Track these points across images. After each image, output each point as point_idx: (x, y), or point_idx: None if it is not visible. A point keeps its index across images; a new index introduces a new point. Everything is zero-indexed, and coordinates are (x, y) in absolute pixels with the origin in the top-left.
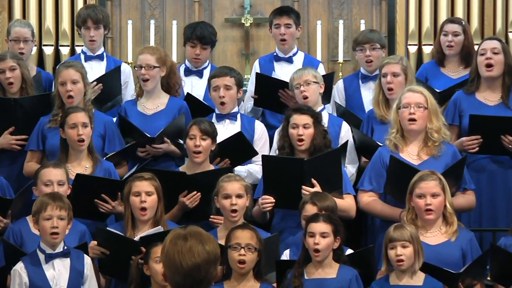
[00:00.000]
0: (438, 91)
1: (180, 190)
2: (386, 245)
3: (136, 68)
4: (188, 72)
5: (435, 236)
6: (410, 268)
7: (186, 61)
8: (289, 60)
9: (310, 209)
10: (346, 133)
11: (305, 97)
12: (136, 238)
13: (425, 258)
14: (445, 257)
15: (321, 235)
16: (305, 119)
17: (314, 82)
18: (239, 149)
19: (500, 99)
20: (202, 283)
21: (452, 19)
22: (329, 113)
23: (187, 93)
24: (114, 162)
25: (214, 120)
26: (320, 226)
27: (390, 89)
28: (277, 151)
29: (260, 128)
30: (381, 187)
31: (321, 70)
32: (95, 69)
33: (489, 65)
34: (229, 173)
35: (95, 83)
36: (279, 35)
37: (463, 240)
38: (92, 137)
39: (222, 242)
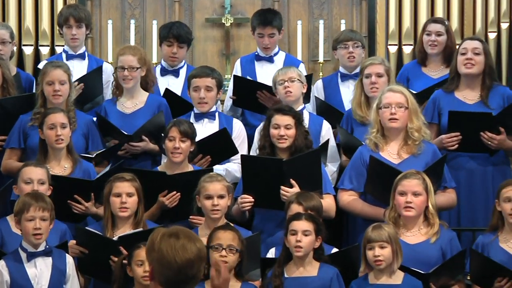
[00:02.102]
0: (414, 92)
1: (159, 190)
2: (364, 246)
3: (117, 69)
4: (164, 72)
5: (415, 235)
6: (388, 267)
7: (162, 61)
8: (270, 60)
9: (296, 209)
10: (327, 132)
11: (289, 93)
12: (115, 238)
13: (404, 257)
14: (423, 257)
15: (303, 233)
16: (287, 119)
17: (298, 80)
18: (220, 146)
19: (479, 98)
20: (193, 280)
21: (435, 19)
22: (309, 112)
23: (166, 88)
24: (96, 162)
25: (192, 119)
26: (302, 224)
27: (374, 90)
28: (257, 151)
29: (238, 126)
30: (361, 186)
31: (302, 70)
32: (77, 68)
33: (468, 64)
34: (211, 173)
35: (76, 83)
36: (262, 44)
37: (443, 239)
38: (71, 138)
39: (203, 241)
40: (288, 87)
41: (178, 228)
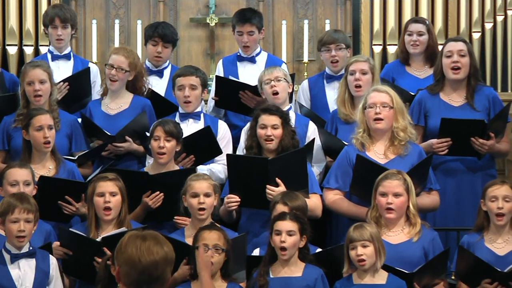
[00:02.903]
0: (412, 94)
1: (143, 190)
2: (347, 246)
3: (106, 66)
4: (148, 72)
5: (397, 235)
6: (372, 267)
7: (147, 61)
8: (252, 60)
9: (281, 209)
10: (313, 132)
11: (275, 93)
12: (99, 239)
13: (387, 257)
14: (405, 256)
15: (288, 233)
16: (274, 119)
17: (284, 79)
18: (204, 145)
19: (465, 100)
20: (157, 281)
21: (416, 19)
22: (296, 113)
23: (151, 89)
24: (80, 163)
25: (177, 119)
26: (287, 224)
27: (358, 86)
28: (244, 151)
29: (223, 127)
30: (347, 186)
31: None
32: (62, 69)
33: (456, 68)
34: (198, 173)
35: (61, 83)
36: (242, 42)
37: (425, 239)
38: (54, 139)
39: (189, 241)
40: (275, 86)
41: (147, 232)
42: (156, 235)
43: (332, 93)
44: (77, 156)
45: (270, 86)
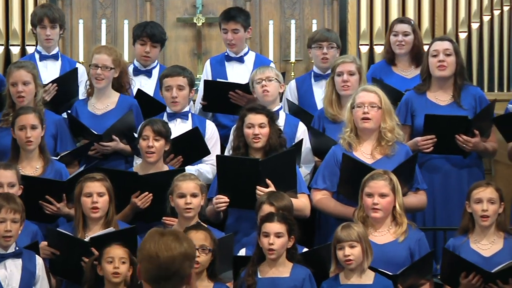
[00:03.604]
0: (403, 92)
1: (132, 190)
2: (334, 246)
3: (90, 66)
4: (136, 72)
5: (383, 235)
6: (359, 267)
7: (135, 61)
8: (240, 60)
9: (267, 209)
10: (302, 133)
11: (266, 92)
12: (87, 239)
13: (373, 257)
14: (391, 257)
15: (276, 235)
16: (261, 118)
17: (275, 79)
18: (192, 146)
19: (452, 99)
20: (176, 276)
21: (401, 19)
22: (286, 113)
23: (138, 89)
24: (66, 162)
25: (165, 118)
26: (275, 226)
27: (345, 87)
28: (231, 151)
29: (211, 127)
30: (335, 186)
31: None
32: (50, 69)
33: (441, 66)
34: (184, 173)
35: (50, 84)
36: (227, 40)
37: (411, 240)
38: (44, 138)
39: None
40: (266, 86)
41: (168, 229)
42: (176, 232)
43: (320, 92)
44: (59, 156)
45: (261, 85)
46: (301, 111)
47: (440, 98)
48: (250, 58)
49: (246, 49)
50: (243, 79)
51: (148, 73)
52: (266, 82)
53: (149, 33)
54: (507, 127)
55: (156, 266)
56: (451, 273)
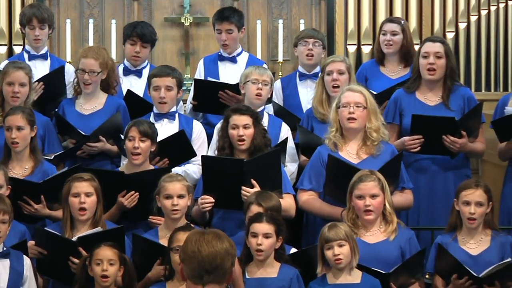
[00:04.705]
0: (375, 93)
1: (118, 190)
2: (321, 246)
3: (78, 71)
4: (127, 72)
5: (374, 235)
6: (347, 265)
7: (125, 61)
8: (233, 60)
9: (256, 210)
10: (285, 133)
11: (259, 95)
12: (74, 239)
13: (364, 256)
14: (383, 256)
15: (264, 236)
16: (245, 119)
17: (270, 84)
18: (178, 148)
19: (440, 99)
20: (218, 271)
21: (391, 19)
22: (269, 114)
23: (128, 90)
24: (56, 163)
25: (152, 119)
26: (263, 227)
27: (335, 87)
28: (216, 152)
29: (198, 128)
30: (321, 186)
31: None
32: (39, 69)
33: (431, 69)
34: (171, 173)
35: (36, 83)
36: (221, 41)
37: (402, 239)
38: (35, 139)
39: (162, 241)
40: (260, 89)
41: (209, 229)
42: (217, 231)
43: (305, 92)
44: (53, 156)
45: (257, 87)
46: (286, 112)
47: (429, 98)
48: (243, 58)
49: (239, 50)
50: (235, 79)
51: (138, 73)
52: (262, 86)
53: (139, 33)
54: (503, 128)
55: (199, 261)
56: (446, 270)
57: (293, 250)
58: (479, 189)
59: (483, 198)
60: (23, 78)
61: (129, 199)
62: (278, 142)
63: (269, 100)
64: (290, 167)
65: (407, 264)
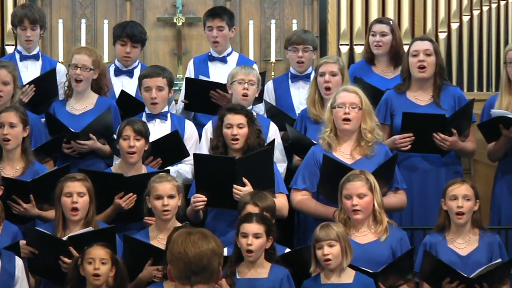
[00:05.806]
0: (383, 90)
1: (115, 192)
2: (314, 245)
3: (70, 67)
4: (118, 72)
5: (365, 235)
6: (338, 266)
7: (116, 61)
8: (223, 60)
9: (251, 209)
10: (273, 133)
11: (245, 95)
12: (65, 238)
13: (355, 257)
14: (374, 256)
15: (254, 236)
16: (240, 118)
17: (256, 84)
18: (172, 148)
19: (431, 99)
20: (205, 271)
21: (380, 19)
22: (257, 113)
23: (122, 90)
24: (38, 159)
25: (144, 119)
26: (253, 227)
27: (327, 88)
28: (210, 150)
29: (190, 127)
30: (314, 186)
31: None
32: (31, 69)
33: (421, 67)
34: (161, 174)
35: (27, 85)
36: (211, 38)
37: (393, 239)
38: (27, 139)
39: (153, 242)
40: (246, 89)
41: (195, 229)
42: (204, 231)
43: (297, 93)
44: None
45: (242, 87)
46: (277, 111)
47: (420, 98)
48: (233, 58)
49: (229, 50)
50: (225, 80)
51: (130, 73)
52: (248, 86)
53: (129, 34)
54: (489, 130)
55: (185, 263)
56: (431, 274)
57: (287, 250)
58: (465, 184)
59: (470, 192)
60: (5, 76)
61: (126, 201)
62: (266, 141)
63: (258, 100)
64: (278, 168)
65: (395, 264)
